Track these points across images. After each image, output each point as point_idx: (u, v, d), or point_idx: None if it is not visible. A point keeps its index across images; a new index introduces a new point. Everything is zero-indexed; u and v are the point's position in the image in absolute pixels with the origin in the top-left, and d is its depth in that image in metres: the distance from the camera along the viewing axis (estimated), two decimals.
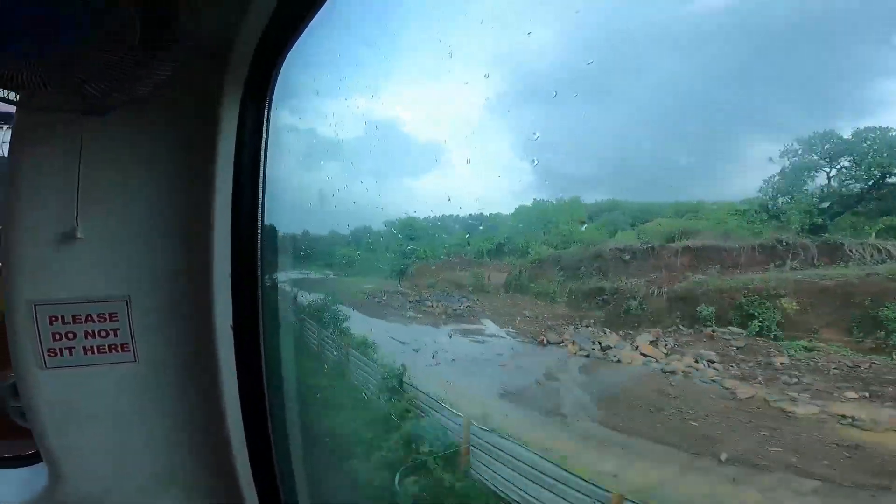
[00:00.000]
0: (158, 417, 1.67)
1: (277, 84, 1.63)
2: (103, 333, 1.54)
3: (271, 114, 1.64)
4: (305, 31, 1.53)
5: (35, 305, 1.47)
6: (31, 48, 1.15)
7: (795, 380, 7.56)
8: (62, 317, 1.50)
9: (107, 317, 1.53)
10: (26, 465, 1.92)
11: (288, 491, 1.91)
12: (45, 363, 1.51)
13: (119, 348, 1.56)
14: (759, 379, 7.74)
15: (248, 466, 1.77)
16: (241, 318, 1.60)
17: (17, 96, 1.37)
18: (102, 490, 1.68)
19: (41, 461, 1.82)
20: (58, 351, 1.51)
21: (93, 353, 1.54)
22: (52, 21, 1.09)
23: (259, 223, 1.61)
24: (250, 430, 1.74)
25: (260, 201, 1.61)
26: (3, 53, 1.14)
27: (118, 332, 1.55)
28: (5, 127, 3.69)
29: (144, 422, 1.67)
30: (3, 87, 1.30)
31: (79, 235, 1.45)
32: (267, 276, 1.66)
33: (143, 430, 1.68)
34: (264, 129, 1.64)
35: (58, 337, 1.50)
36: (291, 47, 1.56)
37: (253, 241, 1.60)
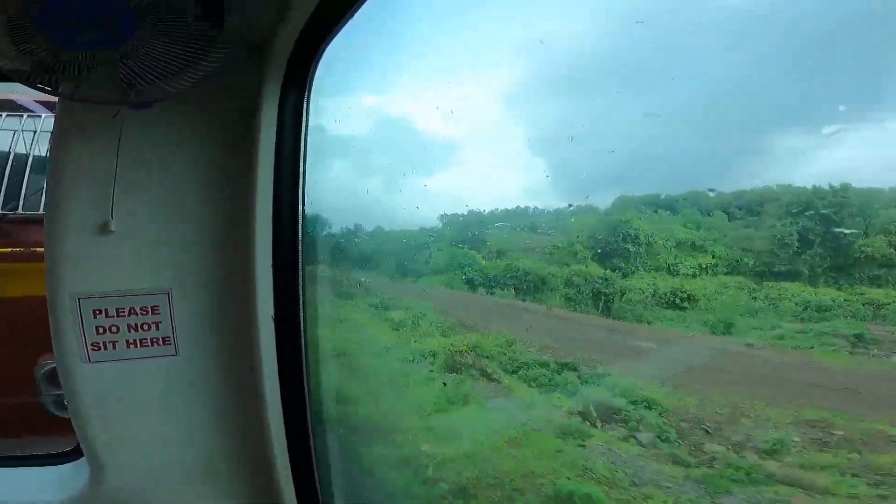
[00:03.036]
0: (199, 411, 1.67)
1: (316, 78, 1.63)
2: (145, 327, 1.54)
3: (310, 108, 1.64)
4: (348, 24, 1.53)
5: (79, 299, 1.48)
6: (86, 38, 1.16)
7: None
8: (105, 310, 1.50)
9: (149, 310, 1.53)
10: (66, 462, 1.92)
11: (326, 488, 1.90)
12: (89, 357, 1.51)
13: (161, 342, 1.56)
14: None
15: (287, 461, 1.76)
16: (282, 309, 1.60)
17: (61, 87, 1.36)
18: (144, 484, 1.68)
19: (81, 457, 1.82)
20: (101, 345, 1.51)
21: (135, 346, 1.54)
22: (114, 12, 1.10)
23: (300, 215, 1.61)
24: (290, 425, 1.73)
25: (300, 193, 1.61)
26: (58, 42, 1.14)
27: (160, 325, 1.55)
28: (26, 115, 3.69)
29: (185, 415, 1.67)
30: (49, 76, 1.27)
31: (112, 229, 1.45)
32: (308, 267, 1.65)
33: (184, 424, 1.68)
34: (303, 123, 1.64)
35: (101, 330, 1.51)
36: (332, 40, 1.56)
37: (294, 233, 1.60)
